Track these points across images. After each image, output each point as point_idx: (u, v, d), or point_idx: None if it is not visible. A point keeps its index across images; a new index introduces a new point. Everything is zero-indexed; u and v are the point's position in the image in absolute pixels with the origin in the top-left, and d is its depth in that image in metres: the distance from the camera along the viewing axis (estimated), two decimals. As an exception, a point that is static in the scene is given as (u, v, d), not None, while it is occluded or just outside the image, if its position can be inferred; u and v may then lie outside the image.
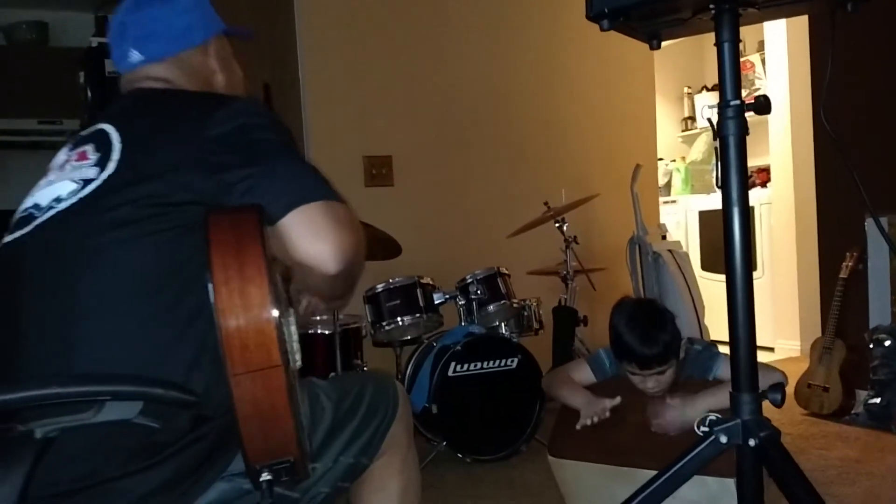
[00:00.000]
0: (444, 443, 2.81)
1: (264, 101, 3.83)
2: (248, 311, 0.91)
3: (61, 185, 1.12)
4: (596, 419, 1.94)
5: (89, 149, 1.14)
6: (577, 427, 1.96)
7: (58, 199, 1.11)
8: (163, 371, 1.02)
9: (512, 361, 2.89)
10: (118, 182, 1.08)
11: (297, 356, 1.08)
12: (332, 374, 2.72)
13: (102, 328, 1.03)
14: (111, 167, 1.09)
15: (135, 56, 1.30)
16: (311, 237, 1.01)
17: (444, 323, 3.11)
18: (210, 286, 0.91)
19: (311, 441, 1.21)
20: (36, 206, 1.13)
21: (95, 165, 1.11)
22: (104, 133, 1.15)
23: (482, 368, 2.85)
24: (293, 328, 1.08)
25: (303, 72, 3.53)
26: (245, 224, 0.95)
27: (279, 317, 0.93)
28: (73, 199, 1.09)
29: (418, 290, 3.00)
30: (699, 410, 1.83)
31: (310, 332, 2.86)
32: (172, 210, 1.05)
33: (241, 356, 0.90)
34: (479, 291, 3.03)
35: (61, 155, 1.19)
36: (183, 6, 1.32)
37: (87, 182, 1.10)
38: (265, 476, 0.96)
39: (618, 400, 1.95)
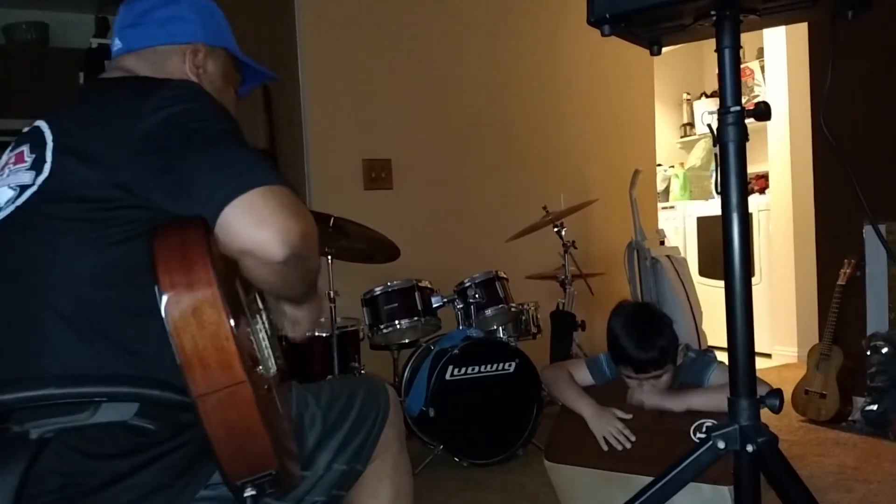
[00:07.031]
0: (441, 446, 2.80)
1: (265, 104, 3.84)
2: (202, 330, 0.87)
3: (0, 192, 1.09)
4: (619, 444, 1.91)
5: (25, 149, 1.11)
6: (604, 448, 1.94)
7: None
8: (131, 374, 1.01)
9: (509, 365, 2.88)
10: (53, 188, 1.04)
11: (272, 361, 1.06)
12: (329, 376, 2.72)
13: (62, 335, 1.01)
14: (46, 170, 1.06)
15: (116, 44, 1.26)
16: (251, 225, 0.94)
17: (442, 326, 3.11)
18: (162, 307, 0.87)
19: (303, 447, 1.19)
20: None
21: (31, 169, 1.07)
22: (39, 131, 1.11)
23: (480, 372, 2.85)
24: (261, 335, 1.04)
25: (303, 75, 3.53)
26: (191, 239, 0.91)
27: (240, 328, 0.90)
28: (11, 209, 1.07)
29: (416, 294, 3.00)
30: (679, 404, 1.86)
31: (307, 334, 2.84)
32: (111, 215, 1.02)
33: (202, 376, 0.87)
34: (477, 295, 3.03)
35: (4, 156, 1.16)
36: (180, 5, 1.26)
37: (23, 189, 1.07)
38: (249, 492, 0.93)
39: (629, 416, 1.93)
